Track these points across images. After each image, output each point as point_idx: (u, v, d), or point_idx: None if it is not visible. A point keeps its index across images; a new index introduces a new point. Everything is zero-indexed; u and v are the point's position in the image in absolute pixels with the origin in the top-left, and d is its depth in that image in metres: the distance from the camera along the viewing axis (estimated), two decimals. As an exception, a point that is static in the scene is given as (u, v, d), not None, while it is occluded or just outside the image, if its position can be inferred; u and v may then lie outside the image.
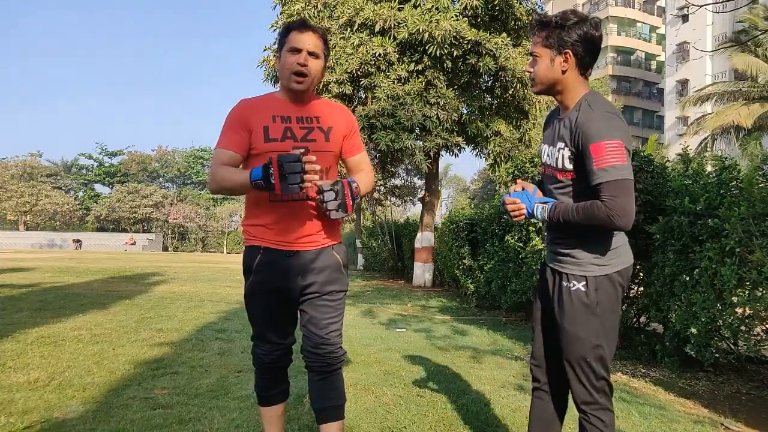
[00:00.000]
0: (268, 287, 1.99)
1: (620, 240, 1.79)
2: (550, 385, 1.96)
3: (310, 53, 1.95)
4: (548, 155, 1.84)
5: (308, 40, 1.95)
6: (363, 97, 10.71)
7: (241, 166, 2.00)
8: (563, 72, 1.74)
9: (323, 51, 2.01)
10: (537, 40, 1.77)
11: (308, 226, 1.98)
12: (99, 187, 58.35)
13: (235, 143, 1.96)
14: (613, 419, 1.81)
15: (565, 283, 1.79)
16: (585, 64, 1.76)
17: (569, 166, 1.74)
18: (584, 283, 1.75)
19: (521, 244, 6.10)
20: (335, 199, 1.86)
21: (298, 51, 1.94)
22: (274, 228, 1.96)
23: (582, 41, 1.71)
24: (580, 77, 1.77)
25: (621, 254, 1.79)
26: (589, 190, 1.68)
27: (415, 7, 10.30)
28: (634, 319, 4.73)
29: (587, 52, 1.73)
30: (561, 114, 1.83)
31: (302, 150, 1.76)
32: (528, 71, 1.83)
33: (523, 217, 1.85)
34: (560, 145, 1.76)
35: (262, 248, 1.98)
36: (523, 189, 1.87)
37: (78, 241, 40.94)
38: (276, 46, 2.09)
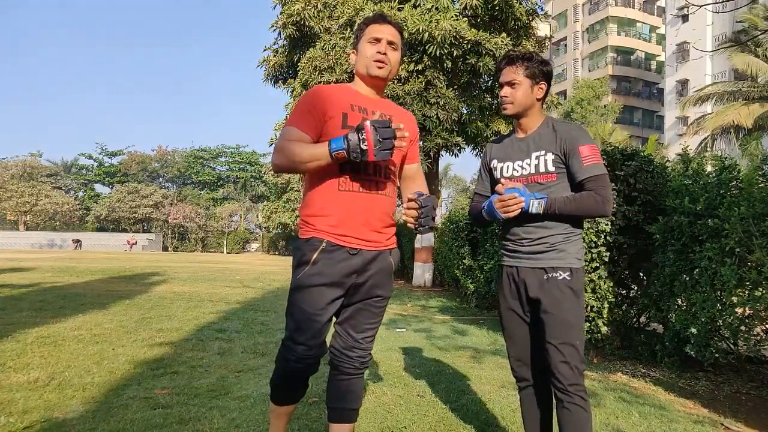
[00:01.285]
0: (323, 281, 1.88)
1: (582, 242, 2.11)
2: (535, 381, 2.12)
3: (389, 43, 1.98)
4: (520, 167, 2.08)
5: (387, 31, 1.98)
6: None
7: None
8: (537, 99, 2.07)
9: (401, 45, 2.05)
10: (518, 70, 2.04)
11: (376, 224, 1.93)
12: (99, 187, 58.37)
13: (308, 125, 1.89)
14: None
15: (551, 275, 1.98)
16: (545, 95, 2.11)
17: (552, 168, 2.01)
18: (569, 273, 1.99)
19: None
20: (428, 216, 1.81)
21: (378, 41, 1.96)
22: (338, 220, 1.89)
23: (549, 77, 2.09)
24: (541, 104, 2.13)
25: (584, 253, 2.08)
26: (566, 188, 2.00)
27: (415, 7, 10.31)
28: (634, 319, 4.73)
29: (549, 86, 2.11)
30: (519, 134, 2.14)
31: (388, 116, 1.75)
32: (504, 96, 2.06)
33: (518, 212, 1.95)
34: (539, 153, 2.03)
35: (324, 241, 1.88)
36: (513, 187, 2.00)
37: (77, 241, 40.93)
38: (352, 40, 2.12)
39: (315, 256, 1.87)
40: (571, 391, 1.91)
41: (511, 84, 2.05)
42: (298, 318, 1.91)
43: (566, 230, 2.01)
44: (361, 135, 1.71)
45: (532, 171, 2.04)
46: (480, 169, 2.32)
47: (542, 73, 2.05)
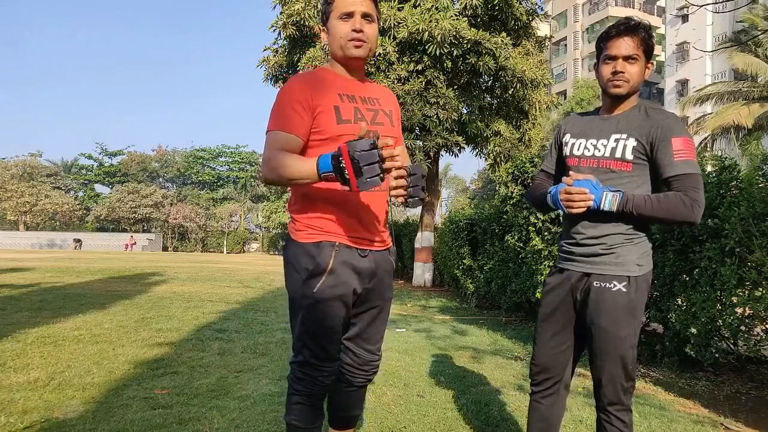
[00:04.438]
0: (344, 291, 1.68)
1: (649, 243, 1.84)
2: (552, 390, 1.95)
3: (364, 16, 1.67)
4: (594, 147, 1.82)
5: (359, 1, 1.66)
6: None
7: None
8: (642, 79, 1.79)
9: (376, 14, 1.73)
10: (635, 43, 1.74)
11: (380, 222, 1.76)
12: (99, 187, 58.32)
13: (296, 125, 1.63)
14: (632, 418, 1.84)
15: (603, 284, 1.76)
16: None
17: (630, 156, 1.75)
18: (626, 283, 1.74)
19: (521, 244, 6.10)
20: (418, 185, 1.63)
21: (350, 15, 1.66)
22: (348, 222, 1.69)
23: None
24: None
25: (651, 256, 1.83)
26: (644, 185, 1.75)
27: (414, 6, 10.30)
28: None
29: None
30: (604, 113, 1.87)
31: (373, 134, 1.45)
32: (621, 72, 1.76)
33: (587, 208, 1.72)
34: (620, 136, 1.77)
35: (337, 244, 1.68)
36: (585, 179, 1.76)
37: (78, 240, 40.91)
38: (320, 18, 1.81)
39: (332, 263, 1.66)
40: (610, 411, 1.78)
41: (630, 58, 1.74)
42: (321, 336, 1.69)
43: (629, 230, 1.76)
44: (342, 163, 1.42)
45: (606, 154, 1.78)
46: (550, 145, 2.05)
47: (652, 50, 1.78)
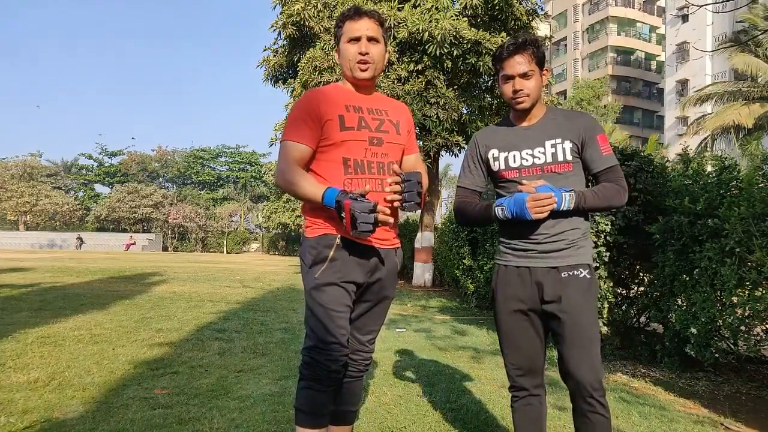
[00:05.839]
0: (344, 278, 1.82)
1: None
2: (534, 391, 1.96)
3: (370, 39, 1.88)
4: (531, 156, 1.91)
5: (365, 26, 1.88)
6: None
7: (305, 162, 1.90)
8: (541, 87, 1.92)
9: (382, 35, 1.94)
10: (526, 59, 1.86)
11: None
12: (99, 187, 58.36)
13: (307, 136, 1.86)
14: None
15: (571, 272, 1.85)
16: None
17: (569, 157, 1.88)
18: (588, 270, 1.88)
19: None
20: (413, 191, 1.79)
21: (357, 39, 1.88)
22: None
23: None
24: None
25: None
26: (582, 179, 1.93)
27: (414, 6, 10.31)
28: (634, 319, 4.73)
29: None
30: (521, 123, 1.97)
31: (366, 191, 1.74)
32: (520, 89, 1.86)
33: (550, 211, 1.79)
34: (555, 141, 1.89)
35: (338, 237, 1.84)
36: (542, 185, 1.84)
37: (80, 238, 40.85)
38: (332, 41, 2.04)
39: (332, 253, 1.82)
40: (596, 397, 1.78)
41: (525, 75, 1.86)
42: (324, 318, 1.80)
43: (583, 225, 1.89)
44: (342, 212, 1.70)
45: (548, 160, 1.88)
46: (467, 161, 2.06)
47: (544, 59, 1.92)
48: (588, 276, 1.86)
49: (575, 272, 1.85)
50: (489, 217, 1.92)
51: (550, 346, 3.38)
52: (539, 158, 1.89)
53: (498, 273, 1.99)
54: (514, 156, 1.92)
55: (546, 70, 1.92)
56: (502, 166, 1.94)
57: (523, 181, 1.86)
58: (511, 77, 1.87)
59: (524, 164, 1.90)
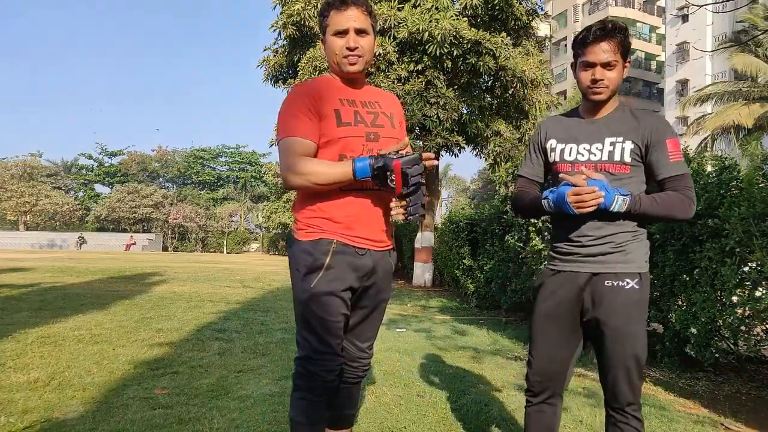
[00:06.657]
0: (340, 286, 1.74)
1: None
2: (554, 400, 1.89)
3: (358, 31, 1.74)
4: (587, 151, 1.79)
5: (353, 17, 1.73)
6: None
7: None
8: (621, 79, 1.77)
9: (371, 24, 1.79)
10: (612, 48, 1.70)
11: (379, 223, 1.82)
12: (99, 187, 58.34)
13: (308, 129, 1.72)
14: None
15: (615, 282, 1.73)
16: None
17: (628, 159, 1.74)
18: (638, 280, 1.74)
19: (521, 244, 6.10)
20: (418, 203, 1.72)
21: (344, 33, 1.74)
22: (345, 221, 1.76)
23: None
24: None
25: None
26: (641, 184, 1.76)
27: (414, 6, 10.30)
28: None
29: None
30: (587, 115, 1.84)
31: (394, 149, 1.68)
32: (601, 80, 1.72)
33: (595, 207, 1.67)
34: (616, 139, 1.76)
35: (334, 241, 1.74)
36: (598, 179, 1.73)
37: (82, 238, 40.81)
38: (319, 32, 1.89)
39: (328, 260, 1.73)
40: (628, 411, 1.73)
41: (608, 65, 1.71)
42: (319, 329, 1.73)
43: (634, 228, 1.75)
44: (390, 176, 1.64)
45: (604, 158, 1.75)
46: (529, 150, 1.97)
47: (629, 50, 1.75)
48: (636, 287, 1.72)
49: (620, 283, 1.72)
50: (539, 208, 1.82)
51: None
52: (595, 155, 1.77)
53: (543, 276, 1.92)
54: (571, 149, 1.82)
55: (629, 61, 1.77)
56: (557, 158, 1.84)
57: (582, 168, 1.74)
58: (593, 65, 1.72)
59: (579, 159, 1.79)
